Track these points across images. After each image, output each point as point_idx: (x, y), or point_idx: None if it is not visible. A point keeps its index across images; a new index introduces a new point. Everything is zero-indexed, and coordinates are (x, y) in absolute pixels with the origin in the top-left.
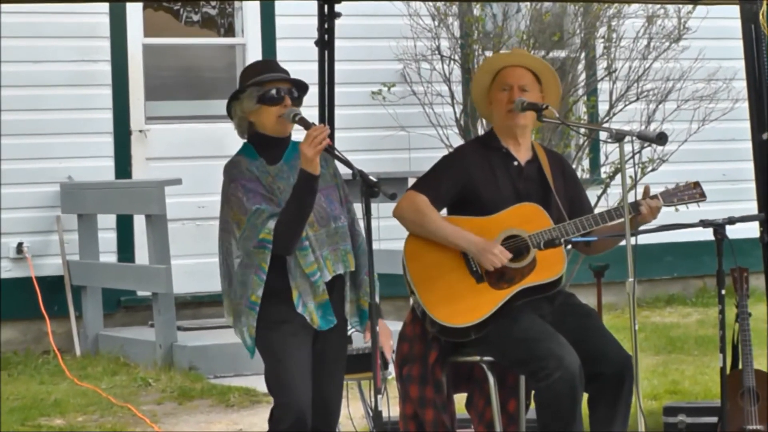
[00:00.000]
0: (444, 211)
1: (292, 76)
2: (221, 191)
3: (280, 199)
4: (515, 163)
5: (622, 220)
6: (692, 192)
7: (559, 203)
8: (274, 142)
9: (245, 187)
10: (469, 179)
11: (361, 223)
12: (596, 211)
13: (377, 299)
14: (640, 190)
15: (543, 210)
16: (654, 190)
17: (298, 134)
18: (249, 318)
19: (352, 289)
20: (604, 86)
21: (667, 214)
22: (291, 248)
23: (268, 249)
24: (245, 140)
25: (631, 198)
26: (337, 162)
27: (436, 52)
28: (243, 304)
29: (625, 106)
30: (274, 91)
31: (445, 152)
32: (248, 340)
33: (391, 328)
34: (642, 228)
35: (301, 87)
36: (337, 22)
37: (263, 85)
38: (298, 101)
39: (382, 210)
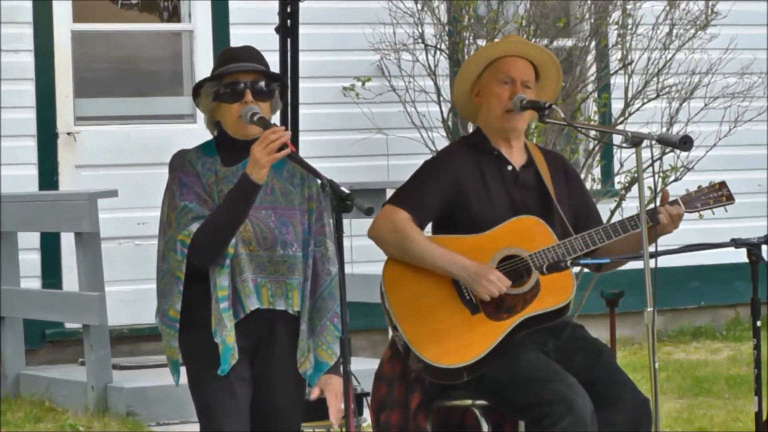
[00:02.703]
0: (428, 227)
1: None
2: None
3: (215, 204)
4: (509, 167)
5: (638, 230)
6: (717, 194)
7: (563, 214)
8: (238, 144)
9: (181, 181)
10: (458, 190)
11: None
12: None
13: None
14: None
15: (545, 224)
16: (675, 197)
17: None
18: (169, 338)
19: (309, 335)
20: (618, 81)
21: (692, 232)
22: (207, 261)
23: (183, 255)
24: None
25: None
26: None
27: (419, 40)
28: (161, 319)
29: (643, 104)
30: (232, 86)
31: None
32: (170, 363)
33: (367, 366)
34: (663, 248)
35: (275, 79)
36: (302, 5)
37: (221, 79)
38: (267, 96)
39: (356, 227)
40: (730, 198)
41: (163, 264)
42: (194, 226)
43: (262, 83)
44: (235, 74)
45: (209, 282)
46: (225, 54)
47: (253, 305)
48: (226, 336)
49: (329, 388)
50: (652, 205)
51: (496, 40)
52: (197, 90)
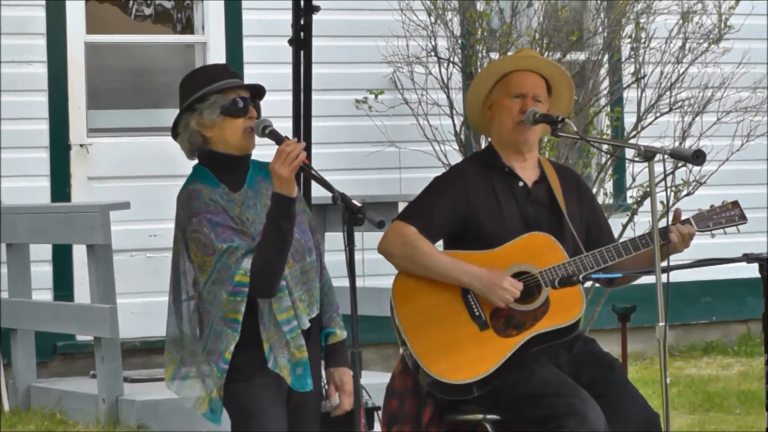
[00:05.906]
0: (438, 245)
1: (261, 81)
2: (175, 224)
3: (252, 233)
4: (520, 184)
5: (649, 249)
6: (730, 214)
7: (574, 231)
8: (232, 162)
9: (212, 221)
10: (469, 206)
11: (340, 256)
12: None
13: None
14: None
15: (555, 241)
16: (687, 215)
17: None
18: (221, 378)
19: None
20: (631, 95)
21: (704, 247)
22: (274, 290)
23: (243, 295)
24: (195, 161)
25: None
26: (314, 184)
27: (432, 53)
28: (214, 360)
29: (656, 118)
30: (239, 101)
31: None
32: (213, 403)
33: (378, 380)
34: (675, 263)
35: (259, 93)
36: (315, 17)
37: (226, 93)
38: (258, 113)
39: (367, 241)
40: (742, 217)
41: (218, 307)
42: (246, 263)
43: (257, 100)
44: (238, 90)
45: (254, 308)
46: (209, 71)
47: (305, 325)
48: (299, 356)
49: (345, 388)
50: (663, 223)
51: (509, 53)
52: (193, 105)
